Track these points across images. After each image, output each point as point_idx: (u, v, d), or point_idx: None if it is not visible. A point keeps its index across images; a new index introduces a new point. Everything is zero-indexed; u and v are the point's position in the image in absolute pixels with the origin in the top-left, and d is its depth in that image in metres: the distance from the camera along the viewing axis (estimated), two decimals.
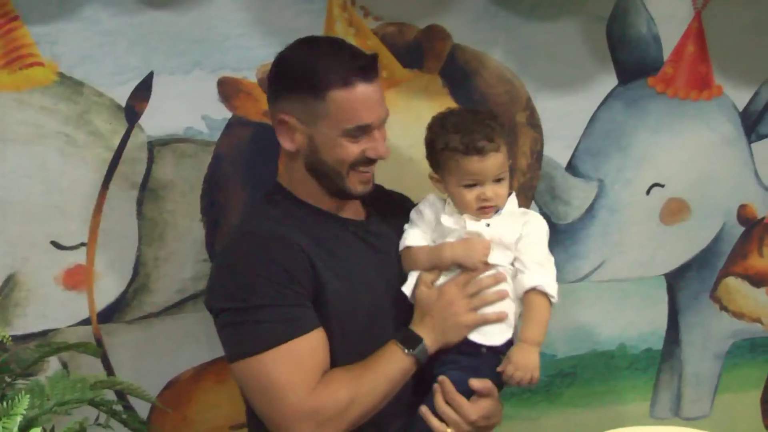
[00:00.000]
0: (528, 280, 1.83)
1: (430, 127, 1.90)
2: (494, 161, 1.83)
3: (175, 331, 2.25)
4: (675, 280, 2.65)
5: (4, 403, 1.46)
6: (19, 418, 1.42)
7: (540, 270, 1.85)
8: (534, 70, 2.39)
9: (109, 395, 1.89)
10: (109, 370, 2.21)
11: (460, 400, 1.79)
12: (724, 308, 2.70)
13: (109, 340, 2.21)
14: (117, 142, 2.15)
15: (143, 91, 2.14)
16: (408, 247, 1.90)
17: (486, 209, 1.86)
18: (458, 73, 2.34)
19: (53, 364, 2.14)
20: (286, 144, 1.82)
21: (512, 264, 1.87)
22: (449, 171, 1.86)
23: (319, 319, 1.76)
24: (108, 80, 2.11)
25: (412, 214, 1.95)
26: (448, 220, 1.87)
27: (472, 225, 1.86)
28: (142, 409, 2.21)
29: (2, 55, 2.05)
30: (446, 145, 1.84)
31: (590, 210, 2.52)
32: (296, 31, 2.14)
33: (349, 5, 2.24)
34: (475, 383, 1.80)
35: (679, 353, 2.70)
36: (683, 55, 2.49)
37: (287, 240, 1.76)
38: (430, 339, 1.81)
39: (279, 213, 1.83)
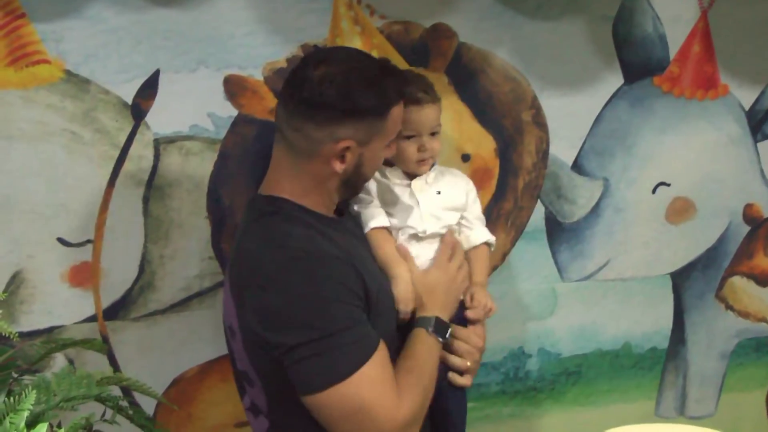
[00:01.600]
0: (477, 237, 2.05)
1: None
2: (431, 112, 1.93)
3: (180, 328, 2.26)
4: (680, 280, 2.65)
5: (11, 399, 1.46)
6: (25, 414, 1.42)
7: (482, 225, 2.07)
8: (539, 69, 2.39)
9: (115, 392, 1.88)
10: (114, 367, 2.21)
11: (467, 331, 1.95)
12: (729, 307, 2.70)
13: (114, 337, 2.22)
14: (123, 139, 2.15)
15: (149, 88, 2.14)
16: (374, 228, 1.94)
17: (425, 161, 1.96)
18: (463, 71, 2.34)
19: (59, 360, 2.15)
20: (338, 166, 1.78)
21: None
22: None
23: (375, 321, 1.77)
24: (114, 78, 2.11)
25: (360, 194, 1.97)
26: (402, 192, 1.97)
27: (422, 194, 1.96)
28: (148, 406, 2.21)
29: (8, 53, 2.05)
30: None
31: (595, 209, 2.53)
32: (302, 29, 2.21)
33: (355, 4, 2.24)
34: (471, 313, 1.97)
35: (684, 352, 2.70)
36: (689, 54, 2.49)
37: (333, 255, 1.74)
38: (445, 317, 1.90)
39: (301, 229, 1.77)
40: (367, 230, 1.93)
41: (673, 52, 2.48)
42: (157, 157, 2.18)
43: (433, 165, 2.00)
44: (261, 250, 1.75)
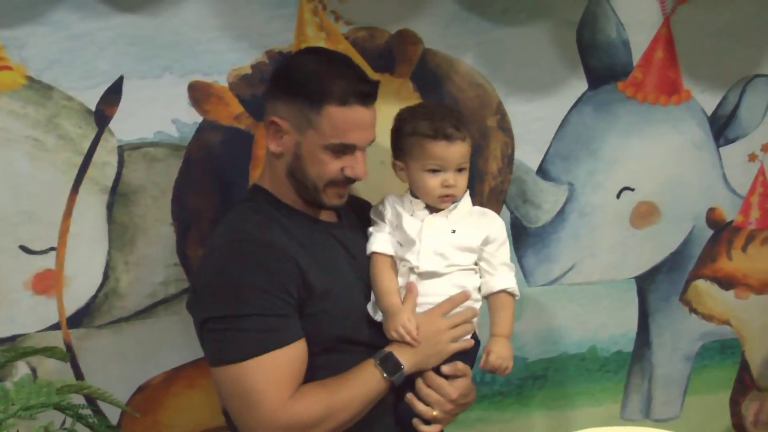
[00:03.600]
0: (498, 283, 1.93)
1: (399, 115, 1.97)
2: (460, 149, 1.90)
3: (145, 335, 2.24)
4: (645, 283, 2.67)
5: None
6: None
7: (508, 272, 1.96)
8: (505, 74, 2.40)
9: (79, 400, 1.86)
10: (79, 375, 2.19)
11: (440, 380, 1.88)
12: (693, 310, 2.72)
13: (79, 345, 2.19)
14: (87, 146, 2.13)
15: (113, 95, 2.13)
16: (375, 253, 1.94)
17: (447, 197, 1.92)
18: (429, 77, 2.35)
19: (22, 369, 2.13)
20: (273, 145, 1.84)
21: (475, 263, 1.95)
22: (414, 156, 1.92)
23: (310, 322, 1.78)
24: (78, 84, 2.09)
25: (373, 215, 2.00)
26: (410, 224, 1.92)
27: (433, 230, 1.91)
28: (114, 414, 2.18)
29: None
30: (414, 130, 1.91)
31: (561, 213, 2.53)
32: (267, 36, 2.20)
33: (320, 10, 2.24)
34: (445, 368, 1.89)
35: (649, 355, 2.71)
36: (652, 60, 2.51)
37: (276, 246, 1.78)
38: (410, 364, 1.85)
39: (262, 217, 1.84)
40: (368, 252, 1.94)
41: (636, 58, 2.50)
42: (121, 163, 2.16)
43: (455, 202, 1.95)
44: (219, 231, 1.87)
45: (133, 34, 2.12)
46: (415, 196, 1.97)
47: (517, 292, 1.96)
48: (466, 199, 1.98)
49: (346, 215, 2.01)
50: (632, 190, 2.57)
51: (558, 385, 2.64)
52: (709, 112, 2.61)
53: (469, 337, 1.94)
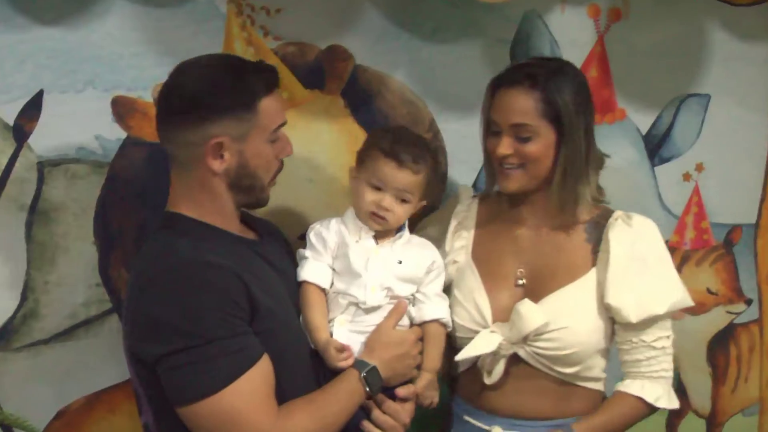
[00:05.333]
0: (431, 312, 1.99)
1: (374, 130, 2.08)
2: (407, 177, 1.92)
3: (65, 358, 2.22)
4: None
5: None
6: None
7: (441, 302, 2.02)
8: (437, 91, 2.42)
9: None
10: None
11: (396, 406, 1.93)
12: None
13: None
14: (4, 162, 2.13)
15: (32, 109, 2.13)
16: (307, 282, 1.95)
17: (376, 217, 1.94)
18: (360, 94, 2.37)
19: None
20: (216, 165, 1.79)
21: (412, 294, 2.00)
22: (365, 167, 1.95)
23: (258, 335, 1.76)
24: None
25: (313, 238, 1.99)
26: (356, 255, 1.93)
27: (380, 260, 1.94)
28: None
29: None
30: (375, 143, 1.95)
31: None
32: (193, 50, 2.12)
33: (249, 24, 2.25)
34: (401, 391, 1.94)
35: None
36: (587, 78, 2.46)
37: (217, 264, 1.73)
38: (385, 377, 1.90)
39: (190, 240, 1.78)
40: (300, 279, 1.95)
41: None
42: (41, 180, 2.16)
43: (400, 231, 1.99)
44: (145, 262, 1.79)
45: (53, 48, 2.12)
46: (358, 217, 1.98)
47: (450, 324, 2.01)
48: (407, 232, 2.01)
49: (258, 231, 1.99)
50: None
51: None
52: (644, 132, 2.63)
53: None
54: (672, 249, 2.64)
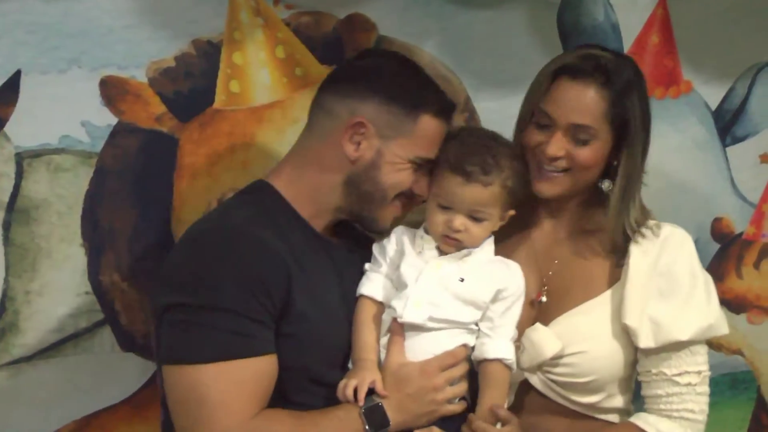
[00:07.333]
0: (492, 350, 1.83)
1: (448, 132, 1.94)
2: (476, 193, 1.81)
3: (51, 378, 2.16)
4: None
5: None
6: None
7: (507, 340, 1.85)
8: (473, 65, 2.36)
9: None
10: None
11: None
12: None
13: None
14: None
15: (9, 93, 2.07)
16: (362, 296, 1.88)
17: (450, 240, 1.84)
18: None
19: None
20: (350, 149, 1.82)
21: (476, 323, 1.85)
22: (435, 182, 1.89)
23: (278, 338, 1.73)
24: None
25: (375, 250, 1.95)
26: (410, 265, 1.84)
27: (436, 274, 1.82)
28: None
29: None
30: (442, 153, 1.88)
31: None
32: (193, 22, 2.16)
33: None
34: (502, 412, 1.81)
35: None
36: (646, 46, 2.48)
37: (267, 245, 1.74)
38: (397, 422, 1.78)
39: (259, 212, 1.81)
40: (357, 293, 1.90)
41: (628, 44, 2.46)
42: (19, 174, 2.11)
43: (467, 249, 1.86)
44: (202, 219, 1.87)
45: (32, 21, 2.06)
46: (427, 231, 1.92)
47: (514, 366, 1.85)
48: (488, 248, 1.89)
49: (344, 237, 1.97)
50: None
51: None
52: (714, 107, 2.58)
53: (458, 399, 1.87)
54: (749, 242, 2.67)
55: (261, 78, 2.20)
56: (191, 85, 2.13)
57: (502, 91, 2.35)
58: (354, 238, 1.98)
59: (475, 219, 1.83)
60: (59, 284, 2.14)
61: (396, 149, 1.82)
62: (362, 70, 1.89)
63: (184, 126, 2.17)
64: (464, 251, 1.86)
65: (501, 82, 2.35)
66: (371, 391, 1.77)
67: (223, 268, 1.70)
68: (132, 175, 2.16)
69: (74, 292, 2.15)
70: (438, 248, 1.87)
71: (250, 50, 2.18)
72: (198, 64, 2.14)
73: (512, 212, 1.87)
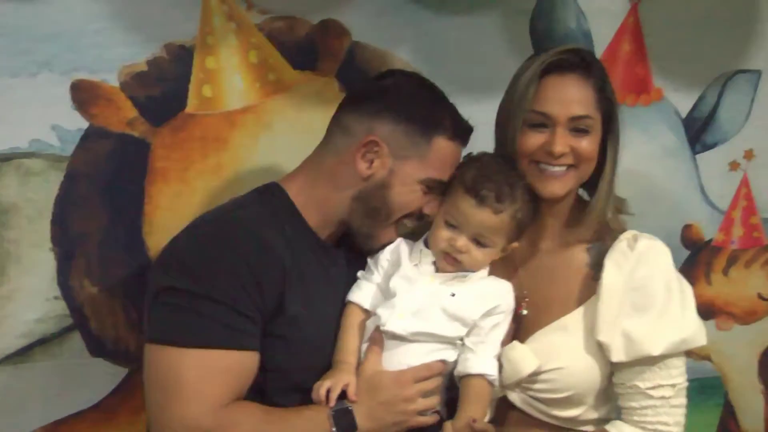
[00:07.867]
0: (477, 366, 1.84)
1: (468, 156, 1.96)
2: (485, 217, 1.82)
3: (18, 383, 2.14)
4: None
5: None
6: None
7: (490, 357, 1.85)
8: (447, 71, 2.31)
9: None
10: None
11: None
12: None
13: None
14: None
15: None
16: (350, 302, 1.90)
17: (449, 258, 1.85)
18: (358, 75, 2.31)
19: None
20: (363, 166, 1.85)
21: (460, 339, 1.86)
22: (447, 199, 1.89)
23: (265, 346, 1.76)
24: None
25: (370, 259, 1.96)
26: (403, 275, 1.85)
27: (429, 287, 1.84)
28: None
29: None
30: (459, 174, 1.88)
31: None
32: (165, 26, 2.15)
33: None
34: (480, 425, 1.81)
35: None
36: (618, 54, 2.50)
37: (267, 244, 1.78)
38: (366, 427, 1.80)
39: (265, 212, 1.85)
40: (346, 299, 1.92)
41: (599, 52, 2.47)
42: None
43: (463, 271, 1.87)
44: (208, 212, 1.92)
45: (2, 24, 2.05)
46: (428, 245, 1.91)
47: (497, 383, 1.85)
48: (483, 271, 1.90)
49: (344, 244, 1.98)
50: None
51: None
52: (684, 114, 2.60)
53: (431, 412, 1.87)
54: (718, 249, 2.69)
55: (234, 83, 2.20)
56: (163, 89, 2.13)
57: (475, 97, 2.26)
58: (358, 249, 1.98)
59: (479, 243, 1.84)
60: (28, 289, 2.13)
61: (408, 169, 1.85)
62: (380, 89, 1.93)
63: (156, 130, 2.16)
64: (461, 273, 1.86)
65: (474, 88, 2.30)
66: (345, 395, 1.78)
67: (220, 260, 1.74)
68: (103, 179, 2.15)
69: (44, 297, 2.14)
70: (435, 264, 1.88)
71: (223, 55, 2.18)
72: (170, 68, 2.14)
73: (516, 245, 1.86)
